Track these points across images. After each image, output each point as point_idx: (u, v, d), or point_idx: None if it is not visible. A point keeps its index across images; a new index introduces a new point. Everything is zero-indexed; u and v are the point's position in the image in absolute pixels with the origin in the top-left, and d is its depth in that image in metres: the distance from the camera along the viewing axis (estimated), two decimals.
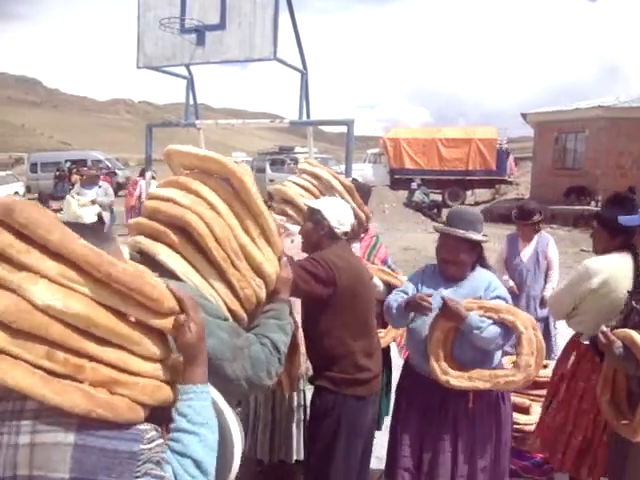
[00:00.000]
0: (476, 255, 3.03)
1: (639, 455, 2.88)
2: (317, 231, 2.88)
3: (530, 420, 4.10)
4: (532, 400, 4.38)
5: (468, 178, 23.35)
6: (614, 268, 3.14)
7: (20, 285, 1.14)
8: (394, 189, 23.89)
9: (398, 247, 14.07)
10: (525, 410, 4.21)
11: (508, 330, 2.88)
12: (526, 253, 5.38)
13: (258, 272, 1.87)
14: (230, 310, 1.80)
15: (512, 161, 24.90)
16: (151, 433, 1.19)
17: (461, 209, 3.27)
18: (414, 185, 22.06)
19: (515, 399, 4.25)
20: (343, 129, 7.41)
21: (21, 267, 1.16)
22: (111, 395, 1.16)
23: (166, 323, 1.27)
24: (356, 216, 3.20)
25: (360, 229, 3.52)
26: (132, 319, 1.24)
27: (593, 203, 17.57)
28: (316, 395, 2.94)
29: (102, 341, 1.18)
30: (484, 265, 3.12)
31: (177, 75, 8.66)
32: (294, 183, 3.41)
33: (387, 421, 3.62)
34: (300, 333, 3.11)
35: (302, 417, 3.44)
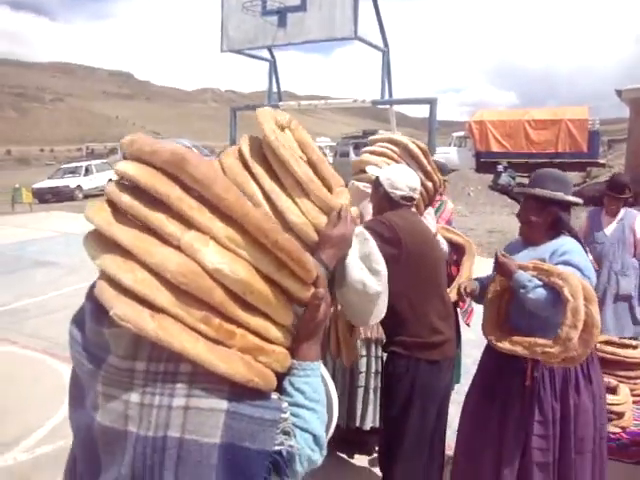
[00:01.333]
0: (550, 216, 2.82)
1: None
2: (376, 196, 2.97)
3: (616, 400, 3.95)
4: (619, 381, 4.22)
5: (557, 161, 22.42)
6: None
7: (192, 245, 1.10)
8: (480, 172, 23.34)
9: (484, 230, 13.79)
10: (612, 390, 4.05)
11: (558, 296, 2.60)
12: (610, 227, 5.14)
13: (283, 220, 1.64)
14: None
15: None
16: (285, 403, 1.22)
17: (544, 169, 3.03)
18: (500, 168, 21.46)
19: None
20: (427, 113, 7.32)
21: (191, 225, 1.13)
22: (259, 365, 1.18)
23: (310, 295, 1.29)
24: (429, 179, 3.20)
25: (432, 195, 3.49)
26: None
27: None
28: (389, 361, 2.95)
29: (251, 308, 1.18)
30: (572, 233, 2.89)
31: (260, 58, 8.80)
32: (370, 153, 3.41)
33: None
34: None
35: (378, 384, 3.46)
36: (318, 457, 1.25)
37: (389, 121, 7.95)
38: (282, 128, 2.18)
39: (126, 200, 1.13)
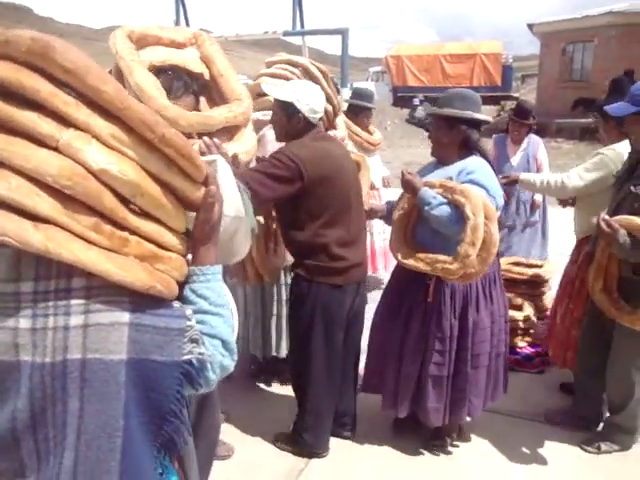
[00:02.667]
0: (459, 135, 2.79)
1: (622, 341, 2.91)
2: (292, 124, 2.76)
3: (522, 316, 4.14)
4: (525, 298, 4.42)
5: None
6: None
7: (71, 144, 0.97)
8: (397, 106, 23.45)
9: (401, 162, 13.97)
10: (518, 307, 4.24)
11: (462, 214, 2.59)
12: (516, 157, 5.22)
13: None
14: None
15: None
16: (189, 310, 1.15)
17: (451, 90, 3.00)
18: (416, 102, 21.66)
19: (508, 297, 4.28)
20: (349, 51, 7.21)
21: (68, 123, 0.99)
22: (159, 272, 1.09)
23: (202, 195, 1.19)
24: (330, 102, 3.15)
25: (332, 119, 3.43)
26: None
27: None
28: (293, 283, 2.96)
29: (142, 213, 1.08)
30: (481, 153, 2.87)
31: None
32: (268, 75, 3.28)
33: None
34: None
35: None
36: (230, 362, 1.22)
37: (303, 55, 7.78)
38: (182, 45, 2.06)
39: None
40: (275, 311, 3.47)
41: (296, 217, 2.78)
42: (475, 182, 2.70)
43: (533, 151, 5.18)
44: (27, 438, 1.01)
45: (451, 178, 2.77)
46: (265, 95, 3.12)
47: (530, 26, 21.80)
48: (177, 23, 8.53)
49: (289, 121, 2.76)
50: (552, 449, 3.13)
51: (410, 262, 2.77)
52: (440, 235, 2.74)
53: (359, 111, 4.82)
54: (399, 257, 2.84)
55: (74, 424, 1.01)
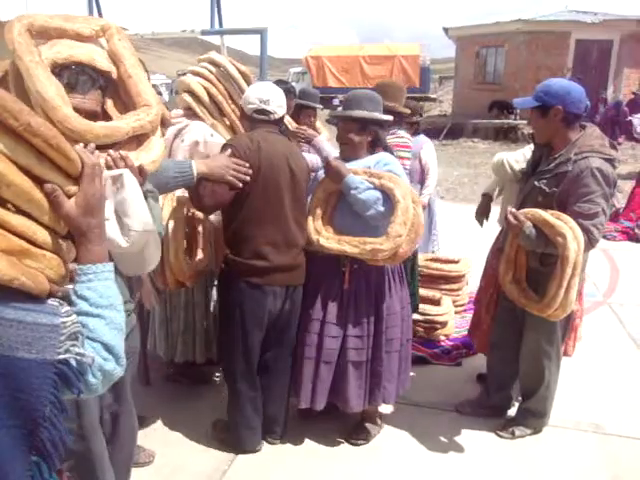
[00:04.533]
0: (370, 135, 2.93)
1: (532, 330, 3.06)
2: (245, 119, 2.93)
3: (440, 311, 4.27)
4: (443, 293, 4.56)
5: None
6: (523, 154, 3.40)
7: None
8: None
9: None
10: (436, 302, 4.36)
11: (387, 198, 2.76)
12: None
13: None
14: None
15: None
16: (65, 307, 1.09)
17: (355, 91, 3.05)
18: (336, 102, 21.84)
19: (427, 293, 4.41)
20: (270, 52, 7.16)
21: None
22: (26, 267, 1.03)
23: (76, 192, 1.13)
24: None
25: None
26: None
27: (512, 117, 17.91)
28: (219, 276, 3.00)
29: (11, 207, 1.03)
30: (388, 149, 3.08)
31: None
32: (193, 73, 3.25)
33: None
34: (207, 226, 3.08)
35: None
36: (113, 367, 1.15)
37: (227, 55, 7.67)
38: (89, 38, 1.96)
39: None
40: (198, 316, 3.40)
41: (232, 210, 2.80)
42: (392, 172, 2.86)
43: (416, 151, 5.13)
44: None
45: (369, 167, 2.89)
46: (190, 92, 3.18)
47: (446, 30, 22.44)
48: (89, 12, 8.25)
49: (243, 117, 2.95)
50: (469, 437, 3.25)
51: (334, 246, 2.82)
52: (360, 220, 2.82)
53: (301, 110, 4.78)
54: (321, 242, 2.85)
55: None
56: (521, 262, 2.97)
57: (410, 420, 3.37)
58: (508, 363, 3.27)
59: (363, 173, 2.84)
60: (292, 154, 2.89)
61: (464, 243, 5.55)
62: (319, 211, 2.93)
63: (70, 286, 1.16)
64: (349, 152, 2.98)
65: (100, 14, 8.51)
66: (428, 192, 5.14)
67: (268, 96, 2.81)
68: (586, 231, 2.68)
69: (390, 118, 2.98)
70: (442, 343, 4.26)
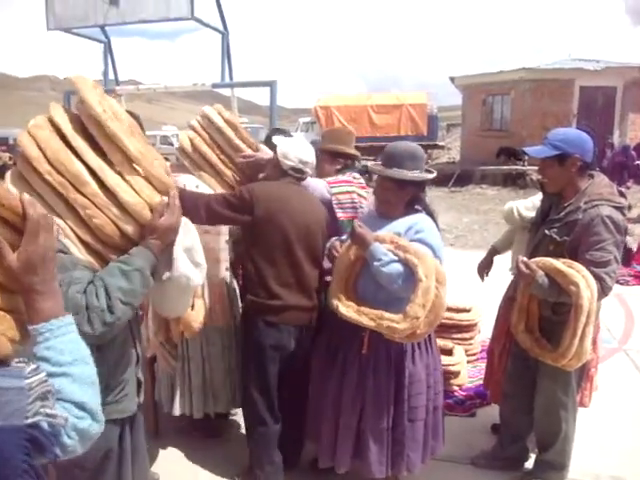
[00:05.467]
0: (407, 194, 2.81)
1: (546, 379, 3.01)
2: (270, 163, 3.07)
3: (453, 361, 4.21)
4: (455, 343, 4.51)
5: None
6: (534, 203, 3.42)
7: None
8: None
9: None
10: (448, 352, 4.31)
11: (412, 275, 2.59)
12: None
13: (116, 200, 1.67)
14: (83, 242, 1.66)
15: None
16: (32, 366, 1.04)
17: (395, 145, 2.90)
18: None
19: (439, 342, 4.35)
20: (278, 102, 7.34)
21: None
22: None
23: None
24: (238, 151, 3.23)
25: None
26: None
27: (520, 163, 18.03)
28: (241, 318, 3.19)
29: None
30: (427, 210, 2.90)
31: (93, 39, 8.32)
32: (189, 128, 3.31)
33: None
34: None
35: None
36: (88, 424, 1.10)
37: (238, 107, 7.85)
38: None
39: None
40: (193, 369, 3.37)
41: (246, 249, 3.01)
42: (423, 241, 2.71)
43: None
44: None
45: (399, 234, 2.75)
46: (183, 150, 3.26)
47: (452, 79, 22.85)
48: (105, 74, 8.49)
49: (271, 165, 3.07)
50: None
51: (352, 315, 2.72)
52: (383, 290, 2.72)
53: None
54: (340, 309, 2.76)
55: None
56: (533, 311, 2.95)
57: (425, 473, 3.28)
58: (522, 413, 3.20)
59: (390, 242, 2.70)
60: (310, 206, 3.04)
61: (475, 291, 5.49)
62: (343, 275, 2.84)
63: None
64: (385, 209, 2.89)
65: (115, 70, 8.75)
66: None
67: (308, 159, 3.04)
68: (599, 279, 2.66)
69: (432, 176, 2.85)
70: (455, 393, 4.19)
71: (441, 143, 25.66)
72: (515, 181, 17.55)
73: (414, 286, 2.57)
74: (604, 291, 2.70)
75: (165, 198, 1.79)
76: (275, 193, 2.93)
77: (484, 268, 3.83)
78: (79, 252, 1.66)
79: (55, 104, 1.72)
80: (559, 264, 2.69)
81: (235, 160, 3.22)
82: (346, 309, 2.75)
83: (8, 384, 0.97)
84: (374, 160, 23.23)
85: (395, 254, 2.64)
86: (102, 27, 7.75)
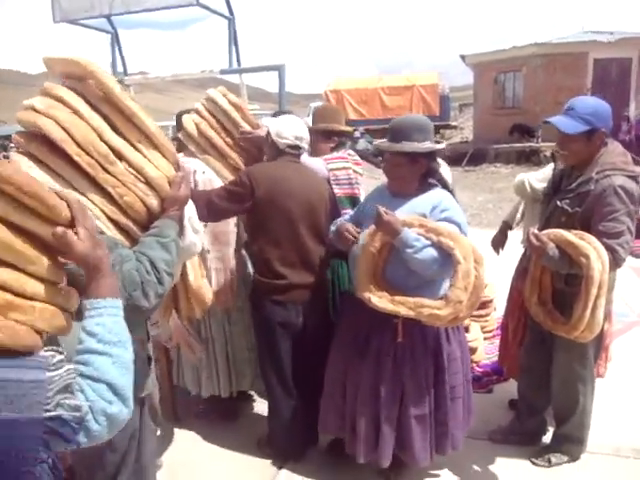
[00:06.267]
0: (420, 168, 2.69)
1: (562, 352, 2.98)
2: (266, 145, 3.08)
3: (469, 337, 4.19)
4: (471, 320, 4.48)
5: None
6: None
7: None
8: None
9: None
10: (465, 329, 4.28)
11: (448, 257, 2.51)
12: None
13: (141, 177, 1.72)
14: (112, 220, 1.69)
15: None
16: (57, 357, 1.05)
17: (401, 119, 2.77)
18: (357, 134, 21.95)
19: None
20: (288, 88, 7.30)
21: None
22: (6, 321, 1.00)
23: (56, 235, 1.11)
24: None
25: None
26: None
27: (534, 140, 17.82)
28: (249, 298, 3.23)
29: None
30: (442, 182, 2.80)
31: (100, 29, 8.29)
32: (194, 112, 3.29)
33: None
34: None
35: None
36: (119, 409, 1.10)
37: (248, 95, 7.83)
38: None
39: None
40: (218, 350, 3.43)
41: (250, 231, 3.09)
42: (450, 220, 2.62)
43: None
44: None
45: (425, 215, 2.64)
46: (187, 134, 3.24)
47: (463, 57, 22.56)
48: (114, 65, 8.48)
49: (267, 146, 3.07)
50: (504, 466, 3.16)
51: (387, 306, 2.59)
52: (414, 275, 2.61)
53: None
54: (373, 301, 2.61)
55: None
56: (546, 283, 2.92)
57: None
58: (539, 387, 3.18)
59: (419, 226, 2.56)
60: (311, 182, 3.05)
61: (490, 268, 5.45)
62: (370, 267, 2.68)
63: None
64: (399, 187, 2.76)
65: (123, 60, 8.75)
66: None
67: (302, 134, 3.04)
68: (611, 250, 2.62)
69: (443, 146, 2.78)
70: (472, 370, 4.17)
71: (454, 123, 25.45)
72: (529, 158, 17.34)
73: (452, 269, 2.50)
74: (617, 262, 2.66)
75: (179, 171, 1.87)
76: (275, 173, 2.94)
77: (498, 242, 3.81)
78: (109, 231, 1.69)
79: (54, 84, 1.71)
80: (570, 236, 2.65)
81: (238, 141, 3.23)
82: (379, 300, 2.62)
83: (26, 377, 0.97)
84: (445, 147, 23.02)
85: (427, 238, 2.53)
86: (108, 17, 7.72)
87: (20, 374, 0.97)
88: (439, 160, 5.25)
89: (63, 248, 1.12)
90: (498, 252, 3.83)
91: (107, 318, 1.15)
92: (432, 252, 2.51)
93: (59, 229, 1.10)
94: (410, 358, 2.73)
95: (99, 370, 1.09)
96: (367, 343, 2.79)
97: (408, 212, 2.66)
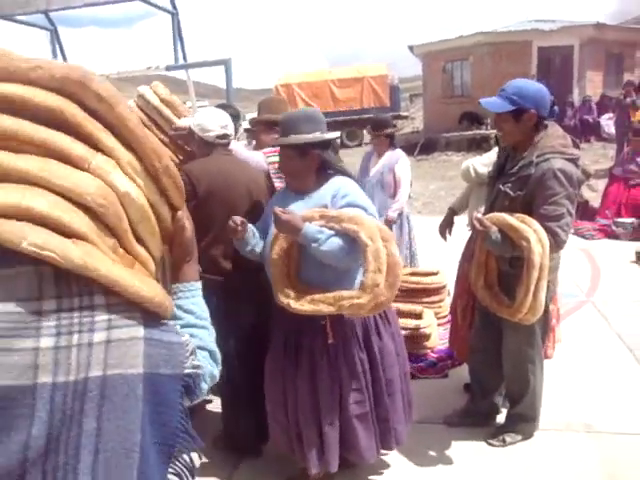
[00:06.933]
0: (313, 160, 2.60)
1: (510, 334, 3.04)
2: (195, 145, 2.98)
3: (422, 324, 4.24)
4: (425, 306, 4.53)
5: (364, 116, 23.36)
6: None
7: (102, 167, 1.00)
8: None
9: None
10: (418, 315, 4.33)
11: (355, 242, 2.40)
12: (374, 169, 5.42)
13: None
14: None
15: None
16: (177, 326, 1.17)
17: (291, 112, 2.78)
18: None
19: (408, 307, 4.38)
20: (240, 84, 7.23)
21: (97, 148, 1.02)
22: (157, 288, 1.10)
23: (175, 220, 1.24)
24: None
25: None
26: None
27: (483, 127, 18.12)
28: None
29: (139, 238, 1.10)
30: (342, 172, 2.71)
31: (38, 26, 8.06)
32: None
33: None
34: None
35: None
36: (217, 372, 1.28)
37: (198, 90, 7.71)
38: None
39: (9, 123, 0.97)
40: None
41: (196, 230, 2.88)
42: (353, 204, 2.54)
43: (390, 164, 5.35)
44: (36, 470, 0.92)
45: (326, 206, 2.55)
46: None
47: (411, 48, 22.78)
48: (54, 57, 8.27)
49: (193, 143, 2.99)
50: (460, 449, 3.20)
51: (308, 307, 2.47)
52: (329, 269, 2.52)
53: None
54: (292, 305, 2.50)
55: (90, 445, 0.95)
56: (491, 266, 2.96)
57: None
58: (490, 368, 3.24)
59: (320, 218, 2.46)
60: (248, 173, 3.03)
61: (443, 256, 5.54)
62: (282, 269, 2.58)
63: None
64: (296, 183, 2.70)
65: (64, 57, 8.54)
66: (397, 206, 5.26)
67: (226, 121, 3.00)
68: (552, 234, 2.67)
69: (335, 135, 2.73)
70: (427, 356, 4.22)
71: (404, 113, 25.62)
72: (480, 145, 17.61)
73: (363, 254, 2.38)
74: (558, 245, 2.71)
75: None
76: (212, 168, 2.89)
77: (445, 228, 3.87)
78: None
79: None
80: (511, 219, 2.69)
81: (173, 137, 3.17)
82: (299, 303, 2.49)
83: (174, 339, 1.09)
84: (339, 136, 23.23)
85: (330, 228, 2.43)
86: (46, 13, 7.51)
87: (170, 336, 1.09)
88: (398, 151, 5.38)
89: (178, 232, 1.26)
90: (445, 238, 3.87)
91: (199, 298, 1.32)
92: (337, 241, 2.41)
93: (181, 212, 1.23)
94: (343, 357, 2.65)
95: (203, 340, 1.25)
96: (298, 351, 2.70)
97: (311, 207, 2.57)
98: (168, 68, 7.71)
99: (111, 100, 1.02)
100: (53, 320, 0.96)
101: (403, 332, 4.12)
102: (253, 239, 2.74)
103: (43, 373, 0.94)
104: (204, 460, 3.16)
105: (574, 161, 2.77)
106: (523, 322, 2.76)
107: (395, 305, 4.41)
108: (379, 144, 5.41)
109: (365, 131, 23.77)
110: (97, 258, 0.97)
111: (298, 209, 2.56)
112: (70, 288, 0.99)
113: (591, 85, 19.37)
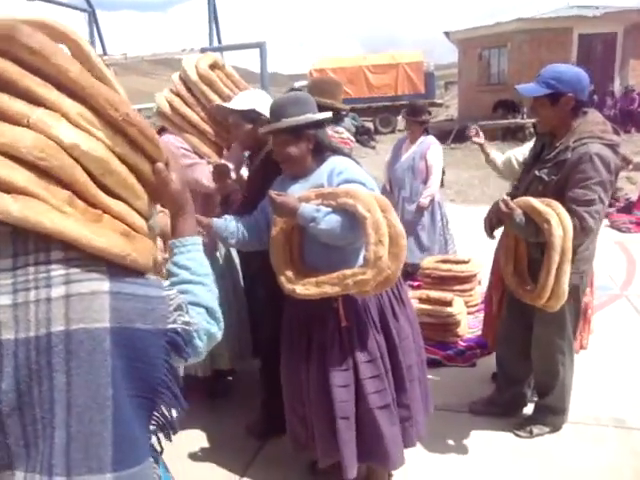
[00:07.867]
0: (307, 142, 2.49)
1: (541, 324, 2.99)
2: (257, 129, 2.76)
3: (453, 312, 4.20)
4: (455, 294, 4.49)
5: (398, 103, 23.18)
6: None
7: (43, 121, 0.99)
8: None
9: None
10: (448, 303, 4.29)
11: (354, 217, 2.26)
12: (406, 154, 5.45)
13: None
14: None
15: None
16: (166, 282, 1.17)
17: (279, 98, 2.63)
18: (343, 113, 21.80)
19: (438, 294, 4.35)
20: (274, 68, 7.21)
21: (38, 102, 1.00)
22: (136, 243, 1.11)
23: (155, 172, 1.21)
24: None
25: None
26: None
27: (519, 116, 17.81)
28: None
29: (110, 192, 1.09)
30: (339, 152, 2.60)
31: (77, 8, 8.18)
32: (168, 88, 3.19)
33: None
34: None
35: None
36: (217, 330, 1.24)
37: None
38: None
39: None
40: None
41: None
42: (350, 180, 2.42)
43: (422, 150, 5.37)
44: (14, 423, 0.97)
45: (322, 185, 2.46)
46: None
47: (447, 34, 22.45)
48: (92, 44, 8.38)
49: (254, 128, 2.85)
50: (486, 438, 3.17)
51: (314, 291, 2.35)
52: (333, 249, 2.41)
53: None
54: (298, 291, 2.38)
55: (62, 400, 0.97)
56: (521, 253, 2.91)
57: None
58: (518, 358, 3.19)
59: (316, 197, 2.37)
60: None
61: (476, 245, 5.47)
62: (285, 257, 2.49)
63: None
64: (293, 168, 2.57)
65: (102, 41, 8.64)
66: (429, 193, 5.26)
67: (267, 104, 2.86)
68: (579, 217, 2.58)
69: (327, 115, 2.59)
70: (455, 344, 4.19)
71: (439, 101, 25.32)
72: (514, 135, 17.34)
73: (362, 227, 2.25)
74: (584, 230, 2.62)
75: None
76: None
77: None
78: None
79: None
80: (536, 202, 2.63)
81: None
82: (304, 288, 2.38)
83: (153, 293, 1.09)
84: (372, 121, 23.06)
85: (327, 206, 2.33)
86: None
87: (148, 291, 1.08)
88: (431, 138, 5.34)
89: (160, 185, 1.22)
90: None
91: (196, 253, 1.27)
92: (336, 217, 2.29)
93: (160, 164, 1.20)
94: (359, 342, 2.48)
95: (198, 296, 1.21)
96: (310, 339, 2.55)
97: (307, 189, 2.48)
98: (203, 50, 7.76)
99: (45, 52, 0.99)
100: (9, 278, 0.98)
101: (433, 319, 4.14)
102: (225, 231, 2.66)
103: (5, 330, 0.97)
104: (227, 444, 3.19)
105: (613, 147, 2.69)
106: (547, 309, 2.69)
107: (425, 292, 4.41)
108: (413, 130, 5.41)
109: (400, 117, 23.69)
110: (39, 211, 0.97)
111: (296, 193, 2.47)
112: (26, 246, 1.00)
113: (634, 74, 18.87)
